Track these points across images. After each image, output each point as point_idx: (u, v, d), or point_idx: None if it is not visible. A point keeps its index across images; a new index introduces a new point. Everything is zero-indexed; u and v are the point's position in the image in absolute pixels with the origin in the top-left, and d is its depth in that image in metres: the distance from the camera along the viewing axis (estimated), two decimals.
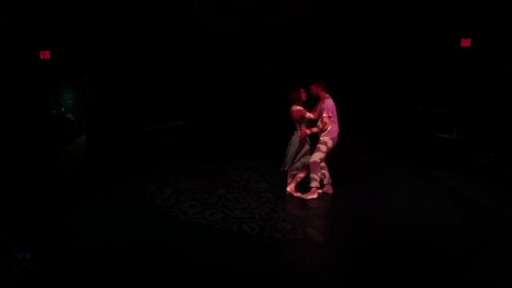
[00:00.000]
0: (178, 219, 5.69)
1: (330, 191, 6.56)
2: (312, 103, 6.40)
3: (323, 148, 6.27)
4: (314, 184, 6.30)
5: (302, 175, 6.40)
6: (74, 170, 8.30)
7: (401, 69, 9.70)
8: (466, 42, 8.93)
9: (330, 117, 6.20)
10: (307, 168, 6.30)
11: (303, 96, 6.26)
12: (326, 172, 6.52)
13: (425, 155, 8.45)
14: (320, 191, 6.46)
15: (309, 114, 6.23)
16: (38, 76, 8.93)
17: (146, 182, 7.22)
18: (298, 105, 6.22)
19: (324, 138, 6.27)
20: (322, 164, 6.40)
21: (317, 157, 6.25)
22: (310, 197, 6.32)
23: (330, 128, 6.24)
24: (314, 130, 6.22)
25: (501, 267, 4.32)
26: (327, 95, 6.33)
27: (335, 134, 6.33)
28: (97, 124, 9.28)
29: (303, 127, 6.22)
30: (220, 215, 5.78)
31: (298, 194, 6.41)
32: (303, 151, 6.31)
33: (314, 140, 6.38)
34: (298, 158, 6.30)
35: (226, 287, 4.09)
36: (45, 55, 8.71)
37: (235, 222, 5.55)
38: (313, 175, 6.28)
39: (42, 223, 5.48)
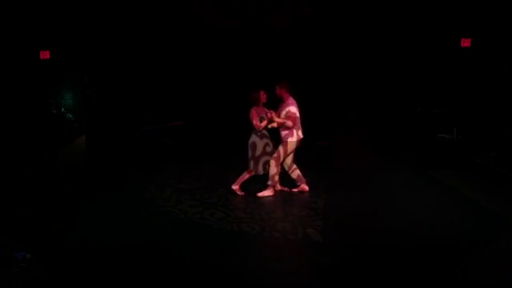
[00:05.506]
0: (177, 219, 5.69)
1: (306, 189, 6.62)
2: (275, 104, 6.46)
3: (285, 149, 6.33)
4: (270, 182, 6.40)
5: (248, 176, 6.51)
6: (73, 169, 8.29)
7: (401, 69, 9.70)
8: (465, 42, 8.93)
9: (296, 117, 6.24)
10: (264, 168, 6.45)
11: (262, 98, 6.31)
12: (298, 172, 6.61)
13: (425, 155, 8.45)
14: (296, 189, 6.62)
15: (256, 123, 6.27)
16: (38, 76, 8.93)
17: (146, 182, 7.23)
18: (256, 107, 6.30)
19: (289, 139, 6.31)
20: (282, 166, 6.55)
21: (275, 157, 6.32)
22: (267, 194, 6.43)
23: (295, 130, 6.29)
24: (279, 120, 6.23)
25: (501, 267, 4.32)
26: (291, 97, 6.35)
27: (300, 137, 6.37)
28: (97, 124, 9.28)
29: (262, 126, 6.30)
30: (220, 215, 5.78)
31: (243, 193, 6.55)
32: (268, 151, 6.43)
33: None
34: (264, 158, 6.39)
35: (227, 287, 4.09)
36: (45, 55, 8.70)
37: (235, 222, 5.55)
38: (272, 174, 6.37)
39: (42, 223, 5.48)
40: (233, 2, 9.69)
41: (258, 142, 6.39)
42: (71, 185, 7.22)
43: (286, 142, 6.32)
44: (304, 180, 6.66)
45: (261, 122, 6.27)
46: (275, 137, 6.52)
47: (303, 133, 6.43)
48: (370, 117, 9.55)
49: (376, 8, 9.33)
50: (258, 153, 6.41)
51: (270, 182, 6.44)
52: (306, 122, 7.19)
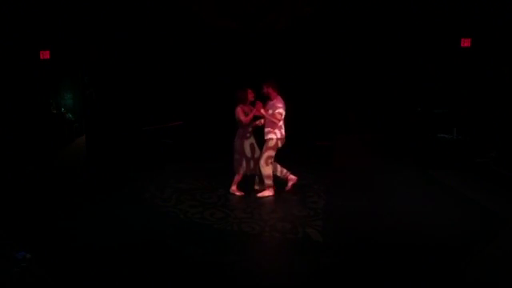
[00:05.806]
0: (177, 219, 5.69)
1: (294, 178, 6.60)
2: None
3: (272, 148, 6.33)
4: (269, 182, 6.40)
5: (240, 177, 6.53)
6: (73, 169, 8.29)
7: (401, 69, 9.70)
8: (466, 42, 8.93)
9: (282, 113, 6.23)
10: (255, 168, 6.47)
11: (250, 97, 6.31)
12: (282, 168, 6.61)
13: (425, 155, 8.45)
14: (289, 187, 6.61)
15: (242, 118, 6.26)
16: (38, 76, 8.93)
17: (146, 182, 7.23)
18: (243, 105, 6.29)
19: (273, 137, 6.31)
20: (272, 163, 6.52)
21: (267, 157, 6.32)
22: (266, 194, 6.43)
23: (280, 128, 6.30)
24: (268, 116, 6.23)
25: (501, 267, 4.32)
26: (279, 96, 6.35)
27: (283, 135, 6.38)
28: (97, 124, 9.28)
29: (249, 128, 6.33)
30: (220, 215, 5.78)
31: (242, 193, 6.54)
32: (257, 152, 6.46)
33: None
34: (255, 159, 6.44)
35: (226, 287, 4.09)
36: (45, 55, 8.70)
37: (235, 221, 5.55)
38: (269, 173, 6.38)
39: (42, 223, 5.48)
40: (233, 2, 9.69)
41: (256, 144, 6.45)
42: (71, 185, 7.23)
43: (271, 139, 6.31)
44: (288, 175, 6.63)
45: (246, 115, 6.26)
46: (258, 137, 6.54)
47: (286, 131, 6.44)
48: (370, 117, 9.55)
49: (376, 8, 9.33)
50: (257, 154, 6.43)
51: (269, 182, 6.43)
52: (306, 122, 7.21)
